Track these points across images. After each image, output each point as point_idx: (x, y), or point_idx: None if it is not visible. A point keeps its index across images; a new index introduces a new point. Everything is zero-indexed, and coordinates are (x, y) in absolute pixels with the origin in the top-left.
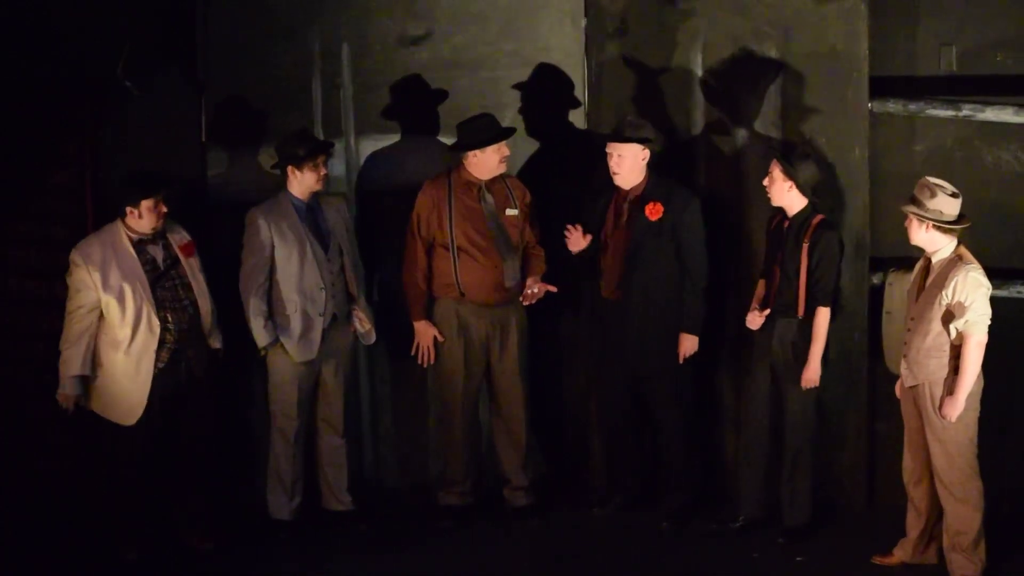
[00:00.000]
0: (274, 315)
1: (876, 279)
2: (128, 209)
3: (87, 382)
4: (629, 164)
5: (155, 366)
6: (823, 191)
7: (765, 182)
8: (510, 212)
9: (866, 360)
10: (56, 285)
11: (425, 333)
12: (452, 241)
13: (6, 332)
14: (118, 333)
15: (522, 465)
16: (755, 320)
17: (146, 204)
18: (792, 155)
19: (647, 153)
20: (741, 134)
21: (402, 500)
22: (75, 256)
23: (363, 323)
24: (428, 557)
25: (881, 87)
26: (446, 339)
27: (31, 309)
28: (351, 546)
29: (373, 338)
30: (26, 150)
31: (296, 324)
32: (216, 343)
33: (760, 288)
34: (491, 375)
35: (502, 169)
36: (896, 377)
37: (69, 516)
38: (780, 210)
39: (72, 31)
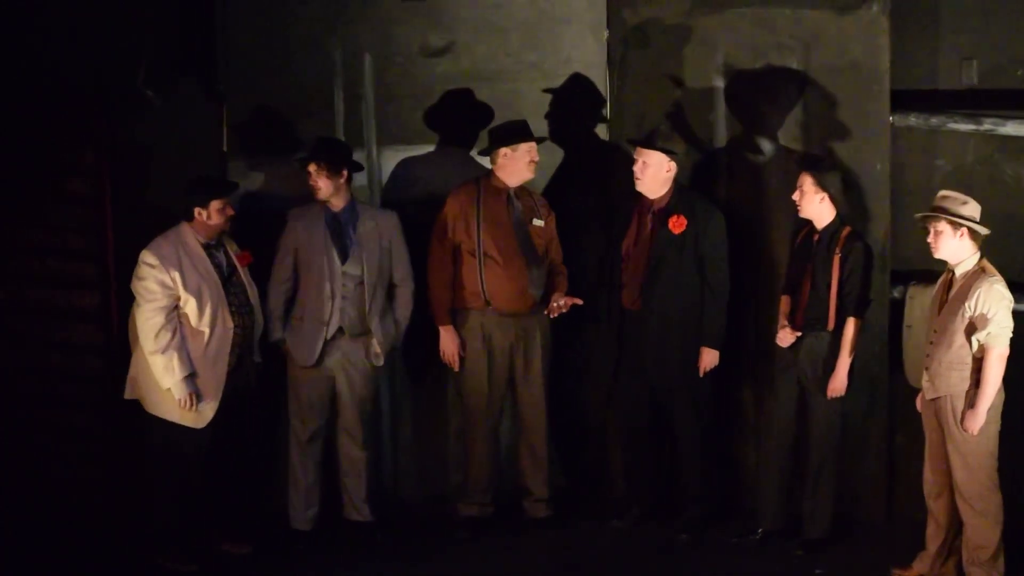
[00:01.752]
0: (291, 315)
1: (896, 293)
2: (197, 211)
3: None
4: (652, 172)
5: (226, 369)
6: (843, 205)
7: (795, 196)
8: (537, 222)
9: (886, 373)
10: (74, 294)
11: (451, 339)
12: (479, 247)
13: (24, 342)
14: (195, 334)
15: (543, 477)
16: (786, 338)
17: (215, 205)
18: (820, 166)
19: (673, 166)
20: (763, 147)
21: (421, 511)
22: (150, 258)
23: (372, 344)
24: (447, 568)
25: (902, 101)
26: (470, 351)
27: (49, 319)
28: (370, 556)
29: (380, 361)
30: (44, 159)
31: (301, 328)
32: (257, 356)
33: (785, 304)
34: (514, 387)
35: (530, 174)
36: (916, 390)
37: (91, 525)
38: (807, 223)
39: (91, 40)
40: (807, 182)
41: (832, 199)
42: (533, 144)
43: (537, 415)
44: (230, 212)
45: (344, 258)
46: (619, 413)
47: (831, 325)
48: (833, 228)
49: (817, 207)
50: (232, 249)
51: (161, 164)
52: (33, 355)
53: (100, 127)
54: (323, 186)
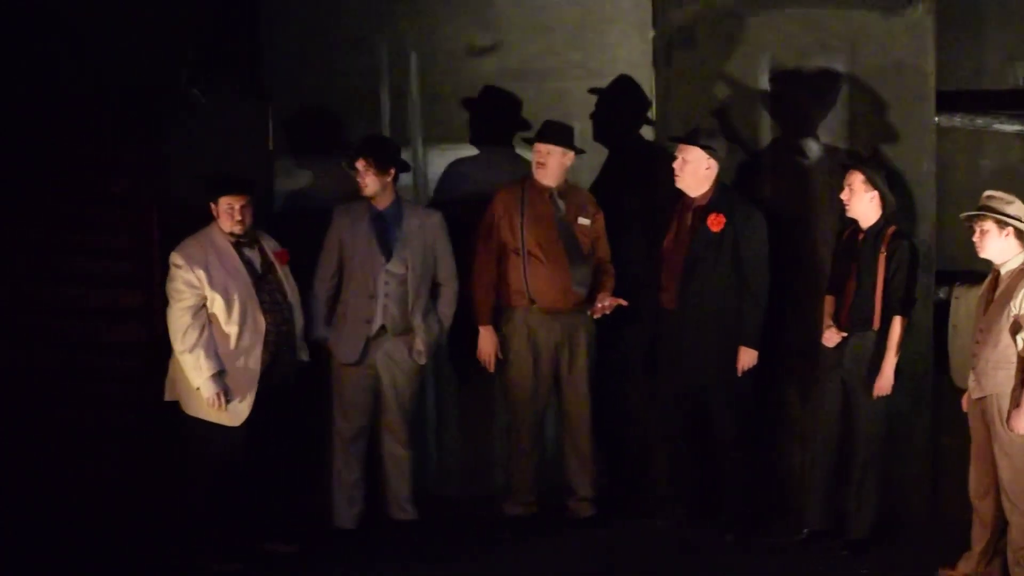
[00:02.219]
0: (335, 313)
1: (942, 293)
2: (211, 206)
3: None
4: (692, 169)
5: (259, 366)
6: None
7: (843, 194)
8: (582, 221)
9: (931, 374)
10: (118, 294)
11: (489, 340)
12: (523, 245)
13: (68, 342)
14: (225, 331)
15: (588, 476)
16: (833, 338)
17: (224, 202)
18: (867, 163)
19: (713, 164)
20: (808, 147)
21: (465, 510)
22: (176, 259)
23: (416, 343)
24: (491, 568)
25: (948, 101)
26: (516, 349)
27: (93, 319)
28: (413, 556)
29: (423, 360)
30: (89, 160)
31: (344, 326)
32: (304, 355)
33: (829, 304)
34: (560, 386)
35: (539, 174)
36: (962, 391)
37: (133, 525)
38: (852, 223)
39: (136, 40)
40: (858, 180)
41: (881, 197)
42: (543, 146)
43: (581, 414)
44: (239, 217)
45: (388, 256)
46: (659, 413)
47: (876, 324)
48: (878, 227)
49: (866, 206)
50: (269, 247)
51: (206, 164)
52: (76, 355)
53: (144, 127)
54: (370, 183)
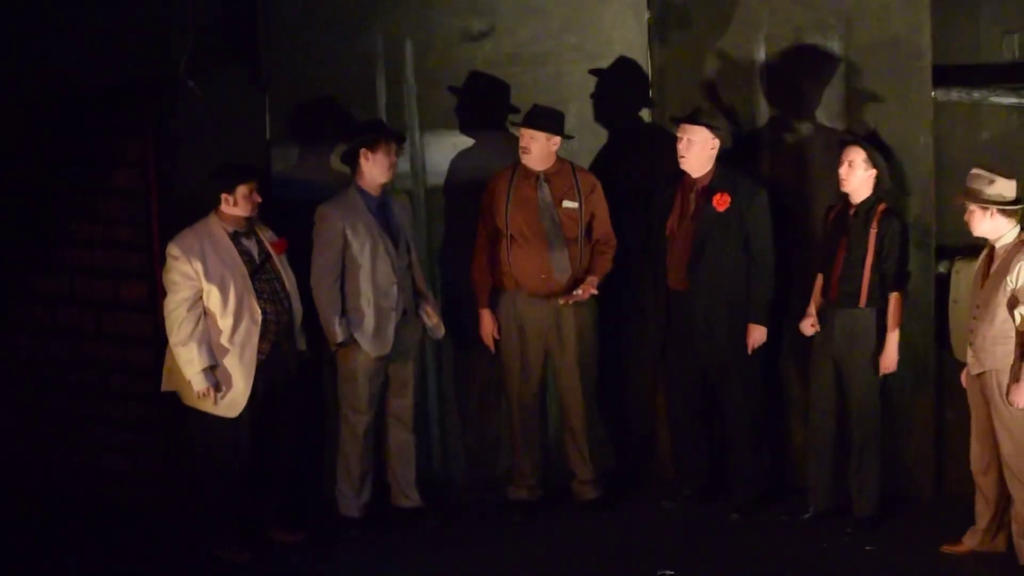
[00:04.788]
0: (347, 311)
1: (942, 267)
2: (224, 196)
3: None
4: (697, 150)
5: (257, 357)
6: (887, 182)
7: (842, 169)
8: (567, 204)
9: (933, 349)
10: (121, 286)
11: (487, 322)
12: (506, 228)
13: (72, 333)
14: (220, 323)
15: (585, 458)
16: (807, 329)
17: (241, 191)
18: (869, 140)
19: (716, 143)
20: (805, 125)
21: (471, 495)
22: (172, 249)
23: (431, 317)
24: (497, 552)
25: (944, 75)
26: (504, 332)
27: (96, 310)
28: (419, 542)
29: (442, 332)
30: (89, 151)
31: (370, 319)
32: (303, 344)
33: (818, 283)
34: (553, 368)
35: (524, 158)
36: (964, 365)
37: (144, 516)
38: (841, 199)
39: (133, 31)
40: (859, 157)
41: (879, 175)
42: (527, 131)
43: (574, 399)
44: (257, 199)
45: (396, 242)
46: (669, 395)
47: (863, 302)
48: (869, 203)
49: (861, 182)
50: (266, 236)
51: (205, 154)
52: (83, 346)
53: (145, 119)
54: (391, 166)
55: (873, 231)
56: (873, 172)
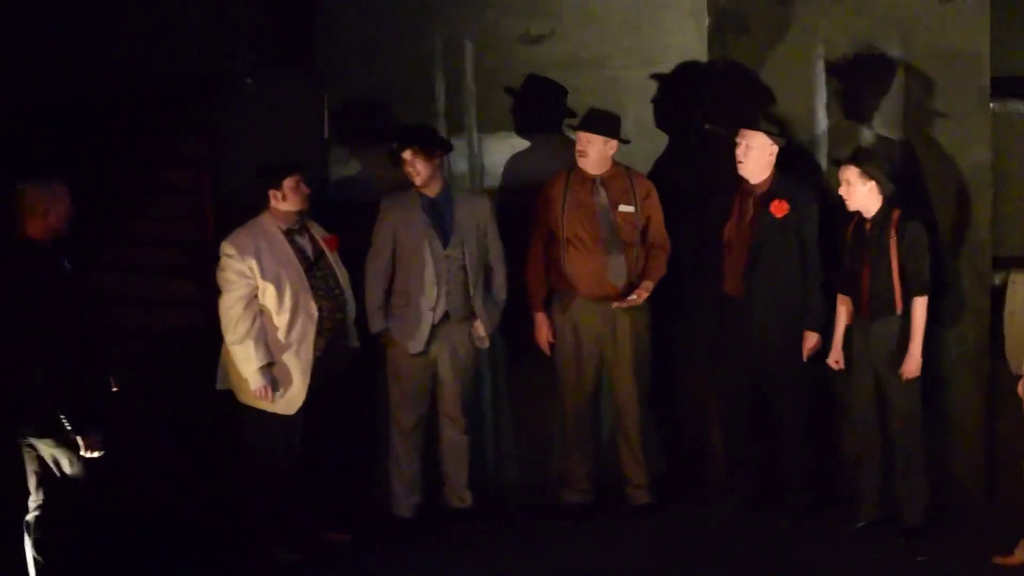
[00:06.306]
0: (391, 304)
1: (998, 279)
2: (272, 193)
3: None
4: (756, 156)
5: (313, 354)
6: (945, 192)
7: (841, 190)
8: (624, 208)
9: (987, 360)
10: (173, 284)
11: (542, 325)
12: (562, 232)
13: (126, 331)
14: (276, 320)
15: (639, 462)
16: (833, 364)
17: (288, 184)
18: (860, 156)
19: (775, 149)
20: (863, 133)
21: (523, 497)
22: (227, 248)
23: (477, 328)
24: (548, 555)
25: (1003, 87)
26: (560, 335)
27: (150, 309)
28: (471, 544)
29: (486, 344)
30: (145, 150)
31: (407, 316)
32: (355, 341)
33: (843, 306)
34: (607, 372)
35: (580, 162)
36: (1018, 377)
37: (194, 514)
38: (853, 217)
39: (191, 30)
40: (853, 173)
41: (879, 185)
42: (583, 134)
43: (629, 403)
44: (306, 190)
45: (445, 242)
46: (722, 402)
47: (899, 308)
48: (883, 213)
49: (865, 196)
50: (318, 233)
51: (262, 153)
52: (137, 344)
53: (201, 118)
54: (421, 170)
55: (893, 239)
56: (872, 183)
